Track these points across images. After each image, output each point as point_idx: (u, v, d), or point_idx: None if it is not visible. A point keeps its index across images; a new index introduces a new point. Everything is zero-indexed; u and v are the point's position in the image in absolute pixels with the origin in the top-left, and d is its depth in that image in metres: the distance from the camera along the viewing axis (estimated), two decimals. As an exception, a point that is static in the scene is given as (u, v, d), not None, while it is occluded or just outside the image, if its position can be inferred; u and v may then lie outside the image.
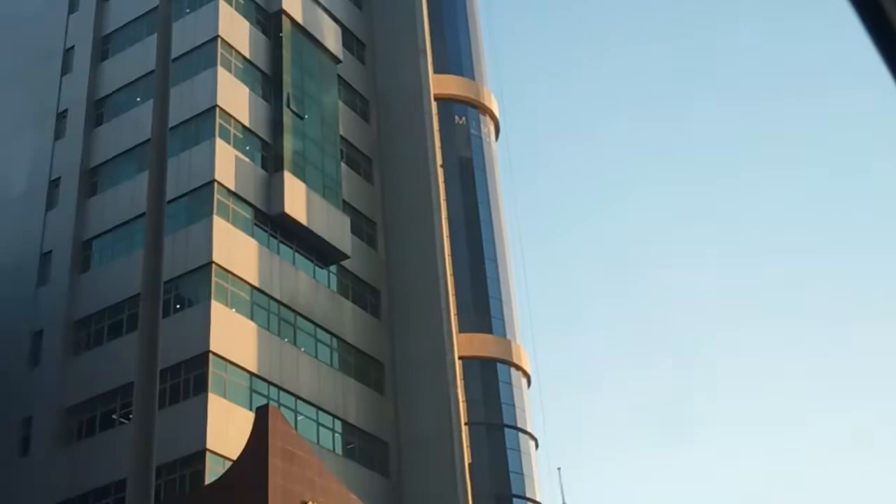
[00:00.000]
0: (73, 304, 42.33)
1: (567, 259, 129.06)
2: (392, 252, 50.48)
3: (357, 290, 48.18)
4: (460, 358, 46.92)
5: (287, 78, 46.84)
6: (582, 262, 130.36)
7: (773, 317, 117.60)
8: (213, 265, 39.46)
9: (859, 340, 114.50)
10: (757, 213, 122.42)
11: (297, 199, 44.27)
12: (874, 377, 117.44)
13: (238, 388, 38.62)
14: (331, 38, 51.00)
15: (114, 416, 39.04)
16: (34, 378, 41.49)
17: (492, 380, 48.60)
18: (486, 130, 55.81)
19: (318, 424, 42.47)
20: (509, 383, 48.79)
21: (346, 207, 48.24)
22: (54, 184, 46.04)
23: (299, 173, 45.24)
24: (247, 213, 42.72)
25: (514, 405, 48.40)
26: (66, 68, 48.98)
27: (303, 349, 43.21)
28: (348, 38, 54.16)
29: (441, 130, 52.79)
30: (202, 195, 41.26)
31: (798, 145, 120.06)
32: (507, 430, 47.60)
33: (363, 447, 44.76)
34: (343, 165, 49.56)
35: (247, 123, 44.28)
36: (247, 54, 45.92)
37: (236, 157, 42.87)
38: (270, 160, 44.97)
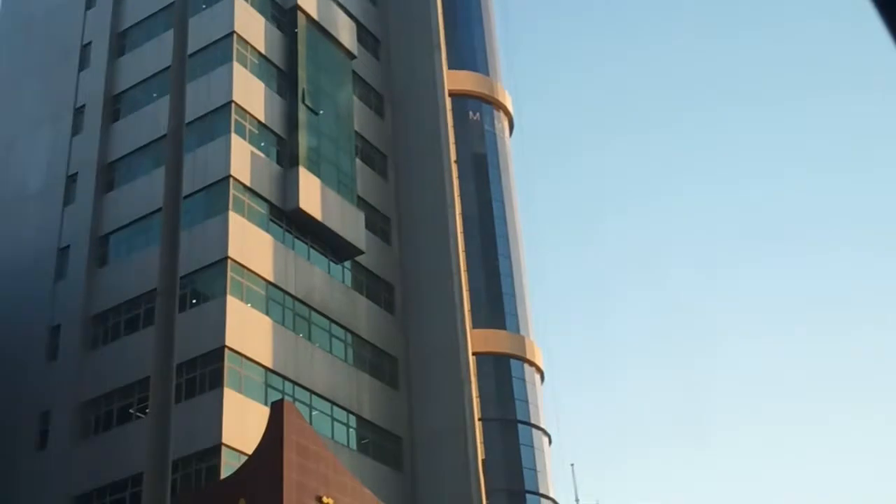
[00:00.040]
0: (91, 299, 42.56)
1: (583, 255, 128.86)
2: (406, 248, 50.56)
3: (371, 286, 48.30)
4: (474, 354, 46.97)
5: (302, 73, 46.95)
6: (598, 259, 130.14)
7: (795, 314, 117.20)
8: (229, 260, 39.61)
9: (888, 340, 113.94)
10: (785, 206, 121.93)
11: (312, 195, 44.39)
12: None
13: (253, 382, 38.79)
14: (346, 33, 51.09)
15: (130, 411, 39.26)
16: (52, 372, 41.76)
17: (505, 376, 48.64)
18: (500, 126, 55.81)
19: (333, 419, 42.62)
20: (523, 379, 48.83)
21: (361, 203, 48.35)
22: (71, 179, 46.29)
23: (314, 169, 45.36)
24: (262, 209, 42.86)
25: (527, 401, 48.43)
26: (83, 64, 49.21)
27: (317, 344, 43.35)
28: (363, 33, 54.25)
29: (455, 126, 52.83)
30: (218, 191, 41.41)
31: (820, 148, 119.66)
32: (520, 426, 47.64)
33: (377, 442, 44.89)
34: (358, 161, 49.66)
35: (262, 119, 44.41)
36: (262, 50, 46.05)
37: (252, 153, 43.01)
38: (285, 156, 45.10)
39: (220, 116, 43.00)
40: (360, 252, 46.95)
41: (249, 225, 41.57)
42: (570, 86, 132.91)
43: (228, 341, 37.91)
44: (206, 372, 37.78)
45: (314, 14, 48.95)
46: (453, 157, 51.56)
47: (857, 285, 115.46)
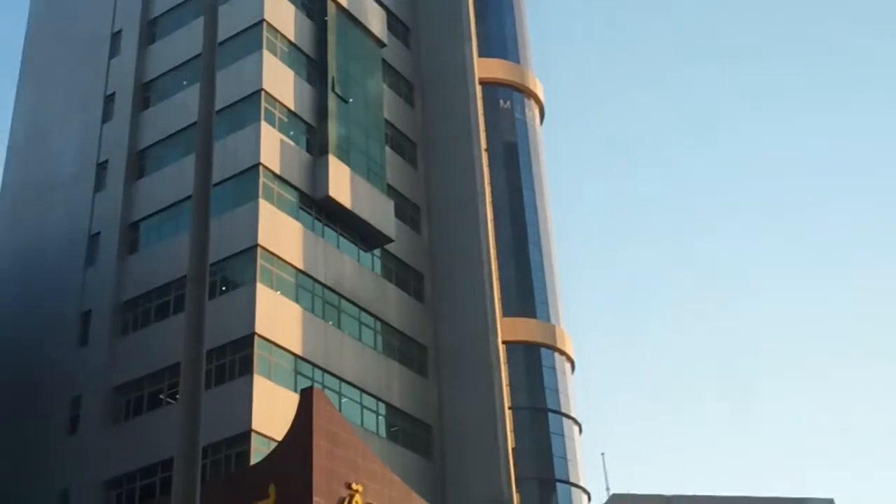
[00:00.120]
0: (121, 285, 42.79)
1: (614, 244, 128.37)
2: (436, 236, 50.48)
3: (401, 274, 48.28)
4: (504, 342, 46.87)
5: (332, 62, 46.88)
6: (629, 247, 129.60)
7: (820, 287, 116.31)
8: (259, 248, 39.68)
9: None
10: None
11: (341, 183, 44.38)
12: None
13: (283, 369, 38.87)
14: (376, 21, 50.97)
15: (161, 396, 39.47)
16: (83, 358, 42.05)
17: (535, 364, 48.52)
18: (530, 114, 55.57)
19: (362, 407, 42.67)
20: (553, 368, 48.69)
21: (391, 191, 48.29)
22: (102, 166, 46.50)
23: (344, 157, 45.33)
24: (292, 197, 42.89)
25: (557, 390, 48.30)
26: (113, 52, 49.38)
27: (347, 332, 43.38)
28: (393, 21, 54.12)
29: (485, 114, 52.63)
30: (248, 178, 41.47)
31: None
32: (550, 414, 47.53)
33: (406, 430, 44.91)
34: (387, 149, 49.59)
35: (292, 107, 44.40)
36: (292, 38, 46.02)
37: (281, 141, 43.03)
38: (315, 144, 45.09)
39: (250, 104, 43.04)
40: (390, 240, 46.91)
41: (279, 213, 41.61)
42: (602, 72, 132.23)
43: (258, 328, 38.00)
44: (235, 359, 37.92)
45: (344, 2, 48.87)
46: (483, 145, 51.38)
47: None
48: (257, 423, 36.09)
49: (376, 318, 45.46)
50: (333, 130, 45.31)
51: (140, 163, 45.99)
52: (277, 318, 39.26)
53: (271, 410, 36.47)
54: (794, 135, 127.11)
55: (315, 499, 29.46)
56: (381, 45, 51.25)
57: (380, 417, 43.67)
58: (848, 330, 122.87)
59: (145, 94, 47.64)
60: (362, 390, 42.78)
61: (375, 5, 51.65)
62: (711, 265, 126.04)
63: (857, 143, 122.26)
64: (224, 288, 40.07)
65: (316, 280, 42.29)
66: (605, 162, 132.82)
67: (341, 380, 41.68)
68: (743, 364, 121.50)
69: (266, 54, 43.93)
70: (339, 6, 48.62)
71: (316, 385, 38.05)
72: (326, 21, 47.72)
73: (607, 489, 73.94)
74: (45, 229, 46.95)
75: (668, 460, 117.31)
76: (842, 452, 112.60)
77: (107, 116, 47.69)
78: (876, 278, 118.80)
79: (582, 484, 47.31)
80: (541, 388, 48.10)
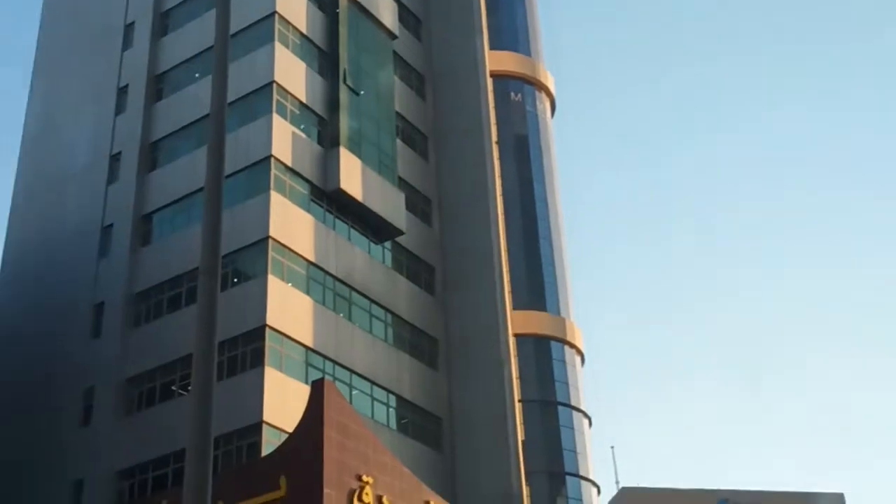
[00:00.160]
0: (134, 276, 42.92)
1: (625, 237, 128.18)
2: (447, 228, 50.49)
3: (412, 266, 48.32)
4: (514, 335, 46.89)
5: (343, 54, 46.88)
6: (640, 240, 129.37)
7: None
8: (270, 240, 39.76)
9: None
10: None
11: (353, 176, 44.42)
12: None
13: (294, 361, 38.97)
14: (387, 13, 50.95)
15: (173, 388, 39.62)
16: (95, 349, 42.22)
17: (545, 357, 48.53)
18: (541, 107, 55.49)
19: (373, 399, 42.75)
20: (563, 361, 48.69)
21: (402, 184, 48.31)
22: (115, 158, 46.61)
23: (355, 149, 45.36)
24: (303, 189, 42.95)
25: (567, 383, 48.30)
26: (126, 44, 49.45)
27: (357, 324, 43.45)
28: (404, 13, 54.08)
29: (497, 107, 52.56)
30: (259, 171, 41.54)
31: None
32: (560, 407, 47.55)
33: (417, 422, 44.99)
34: (398, 142, 49.60)
35: (303, 99, 44.43)
36: (304, 30, 46.03)
37: (293, 133, 43.08)
38: (327, 136, 45.12)
39: (262, 97, 43.09)
40: (401, 233, 46.94)
41: (290, 205, 41.68)
42: (613, 65, 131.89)
43: (269, 320, 38.10)
44: (247, 350, 38.03)
45: (356, -6, 48.81)
46: (494, 138, 51.33)
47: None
48: (268, 415, 36.21)
49: (387, 310, 45.53)
50: (345, 123, 45.34)
51: (153, 155, 46.11)
52: (289, 310, 39.35)
53: (282, 402, 36.58)
54: (808, 124, 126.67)
55: (326, 490, 29.57)
56: (393, 37, 51.23)
57: (390, 409, 43.76)
58: (860, 324, 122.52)
59: (158, 86, 47.71)
60: (373, 382, 42.87)
61: (387, -2, 51.61)
62: (723, 256, 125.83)
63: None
64: (236, 280, 40.17)
65: (327, 272, 42.36)
66: (616, 154, 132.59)
67: (352, 372, 41.77)
68: (753, 357, 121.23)
69: (278, 46, 43.97)
70: (350, -1, 48.58)
71: (327, 377, 38.14)
72: (338, 13, 47.71)
73: (617, 482, 74.00)
74: (59, 221, 47.12)
75: (678, 454, 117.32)
76: (852, 447, 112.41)
77: (120, 108, 47.80)
78: (881, 267, 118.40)
79: (591, 477, 47.34)
80: (551, 381, 48.11)
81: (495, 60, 53.75)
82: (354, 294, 43.82)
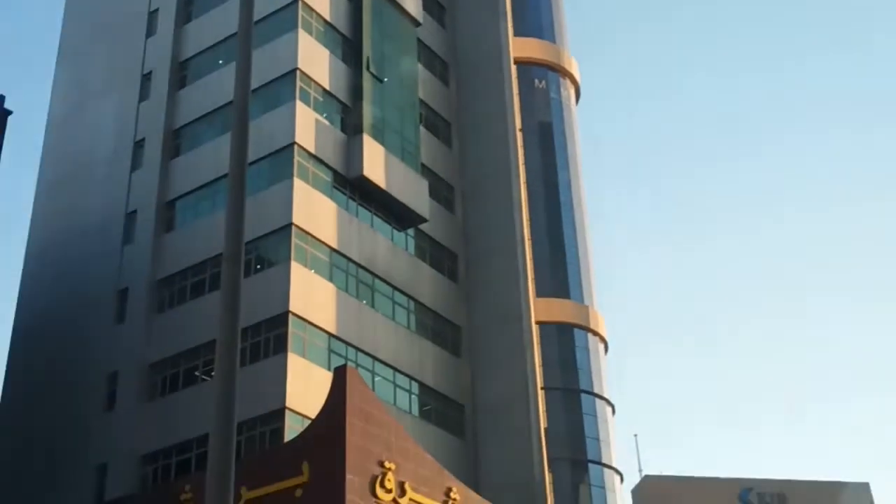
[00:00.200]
0: (158, 262, 43.12)
1: (649, 224, 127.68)
2: (470, 216, 50.43)
3: (434, 254, 48.30)
4: (537, 322, 46.81)
5: (367, 41, 46.83)
6: (664, 228, 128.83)
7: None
8: (293, 227, 39.84)
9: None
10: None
11: (376, 163, 44.41)
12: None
13: (317, 348, 39.08)
14: (411, 0, 50.82)
15: (196, 373, 39.81)
16: (119, 335, 42.47)
17: (569, 345, 48.42)
18: (566, 94, 55.24)
19: (395, 386, 42.82)
20: (586, 349, 48.57)
21: (425, 171, 48.26)
22: (139, 145, 46.79)
23: (378, 136, 45.34)
24: (326, 176, 42.98)
25: (590, 370, 48.19)
26: (150, 31, 49.55)
27: (380, 311, 43.51)
28: (428, 0, 53.92)
29: (521, 94, 52.38)
30: (283, 157, 41.60)
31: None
32: (583, 395, 47.44)
33: (439, 409, 45.04)
34: (422, 129, 49.54)
35: (327, 86, 44.42)
36: (327, 17, 46.00)
37: (316, 120, 43.09)
38: (350, 123, 45.12)
39: (285, 84, 43.12)
40: (424, 220, 46.92)
41: (314, 192, 41.73)
42: (637, 50, 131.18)
43: (292, 307, 38.20)
44: (270, 336, 38.16)
45: (379, -20, 48.71)
46: (518, 125, 51.17)
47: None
48: (291, 401, 36.34)
49: (410, 297, 45.55)
50: (368, 110, 45.32)
51: (176, 141, 46.25)
52: (312, 296, 39.44)
53: (305, 388, 36.70)
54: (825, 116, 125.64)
55: (348, 476, 29.66)
56: (417, 24, 51.11)
57: (412, 396, 43.82)
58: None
59: (182, 72, 47.81)
60: (395, 369, 42.93)
61: (411, -16, 51.46)
62: (748, 246, 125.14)
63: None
64: (259, 266, 40.29)
65: (350, 259, 42.42)
66: (641, 141, 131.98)
67: (375, 359, 41.84)
68: (776, 346, 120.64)
69: (301, 33, 43.96)
70: (374, -15, 48.47)
71: (349, 364, 38.22)
72: (362, 0, 47.62)
73: (640, 470, 73.92)
74: (83, 207, 47.36)
75: (701, 442, 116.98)
76: (878, 436, 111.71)
77: (144, 95, 47.94)
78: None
79: (614, 465, 47.25)
80: (574, 368, 48.00)
81: (519, 47, 53.54)
82: (377, 281, 43.87)
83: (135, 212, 45.05)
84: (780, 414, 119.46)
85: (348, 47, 46.77)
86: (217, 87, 44.33)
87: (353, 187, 44.14)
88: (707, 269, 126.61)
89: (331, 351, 39.63)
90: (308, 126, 42.41)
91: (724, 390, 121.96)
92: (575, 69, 56.12)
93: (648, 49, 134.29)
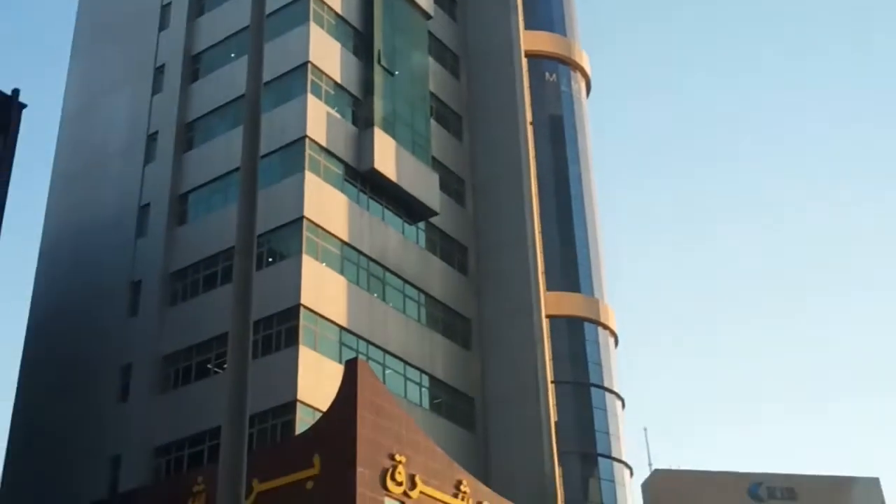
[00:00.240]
0: (170, 255, 43.30)
1: (657, 219, 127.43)
2: (480, 209, 50.46)
3: (445, 247, 48.37)
4: (547, 316, 46.84)
5: (378, 34, 46.87)
6: (672, 222, 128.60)
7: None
8: (305, 220, 39.95)
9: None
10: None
11: (387, 156, 44.47)
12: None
13: (328, 341, 39.20)
14: (422, -7, 50.81)
15: (209, 366, 39.99)
16: (133, 327, 42.69)
17: (579, 338, 48.46)
18: (576, 87, 55.20)
19: (406, 379, 42.92)
20: (596, 342, 48.60)
21: (436, 164, 48.31)
22: (152, 138, 46.96)
23: (389, 130, 45.40)
24: (338, 169, 43.07)
25: (600, 364, 48.22)
26: (163, 24, 49.70)
27: (391, 304, 43.61)
28: (439, -6, 53.92)
29: (531, 87, 52.35)
30: (294, 151, 41.69)
31: None
32: (593, 389, 47.49)
33: (449, 402, 45.14)
34: (433, 122, 49.57)
35: (338, 80, 44.50)
36: (339, 10, 46.06)
37: (328, 114, 43.17)
38: (361, 116, 45.19)
39: (297, 77, 43.21)
40: (435, 213, 46.99)
41: (325, 185, 41.83)
42: (649, 44, 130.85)
43: (303, 300, 38.32)
44: (281, 329, 38.29)
45: (391, -26, 48.73)
46: (529, 118, 51.15)
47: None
48: (302, 394, 36.47)
49: (420, 290, 45.63)
50: (379, 103, 45.38)
51: (189, 135, 46.39)
52: (323, 289, 39.56)
53: (316, 381, 36.83)
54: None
55: (359, 469, 29.78)
56: (428, 17, 51.11)
57: (423, 389, 43.92)
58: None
59: (194, 66, 47.94)
60: (406, 362, 43.04)
61: (422, -22, 51.45)
62: (756, 242, 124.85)
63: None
64: (270, 259, 40.42)
65: (361, 252, 42.51)
66: (652, 135, 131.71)
67: (385, 351, 41.96)
68: (786, 342, 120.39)
69: (313, 27, 44.03)
70: (385, -21, 48.49)
71: (360, 356, 38.34)
72: (373, -6, 47.64)
73: (650, 464, 74.04)
74: (97, 201, 47.57)
75: (711, 436, 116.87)
76: (888, 432, 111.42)
77: (157, 88, 48.09)
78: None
79: (624, 459, 47.31)
80: (584, 362, 48.04)
81: (530, 40, 53.51)
82: (388, 274, 43.96)
83: (148, 205, 45.23)
84: (791, 409, 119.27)
85: (359, 41, 46.82)
86: (229, 80, 44.45)
87: (364, 180, 44.23)
88: (719, 263, 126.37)
89: (342, 344, 39.75)
90: (319, 119, 42.50)
91: (734, 384, 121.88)
92: (586, 62, 56.06)
93: (655, 43, 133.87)
